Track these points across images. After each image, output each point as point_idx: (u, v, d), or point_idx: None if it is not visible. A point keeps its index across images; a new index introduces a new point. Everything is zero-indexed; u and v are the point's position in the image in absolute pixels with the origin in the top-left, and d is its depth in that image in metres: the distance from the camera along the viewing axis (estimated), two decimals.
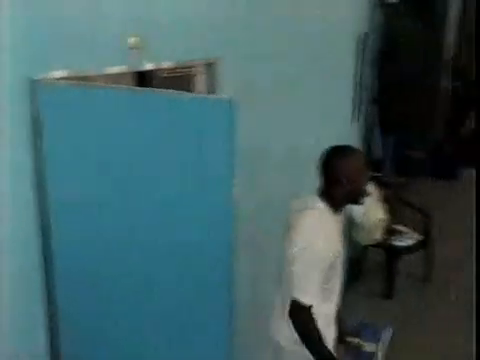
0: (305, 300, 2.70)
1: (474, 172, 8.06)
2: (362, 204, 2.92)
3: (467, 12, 8.65)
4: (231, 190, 2.41)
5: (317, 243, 2.71)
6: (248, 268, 3.51)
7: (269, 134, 3.43)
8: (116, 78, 2.67)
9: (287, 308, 2.78)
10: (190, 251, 2.49)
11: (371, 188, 5.58)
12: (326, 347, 2.79)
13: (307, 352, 2.79)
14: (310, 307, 2.71)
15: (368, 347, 3.06)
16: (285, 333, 2.89)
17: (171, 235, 2.48)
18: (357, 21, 5.69)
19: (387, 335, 3.17)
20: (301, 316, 2.73)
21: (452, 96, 8.34)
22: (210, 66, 2.95)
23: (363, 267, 5.62)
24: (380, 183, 6.04)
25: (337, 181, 2.78)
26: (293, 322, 2.75)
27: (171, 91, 2.41)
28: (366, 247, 5.57)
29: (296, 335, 2.79)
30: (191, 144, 2.40)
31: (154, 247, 2.48)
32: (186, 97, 2.43)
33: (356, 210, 5.36)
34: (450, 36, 8.17)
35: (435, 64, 7.88)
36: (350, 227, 5.43)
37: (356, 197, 2.87)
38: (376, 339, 3.13)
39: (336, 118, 4.82)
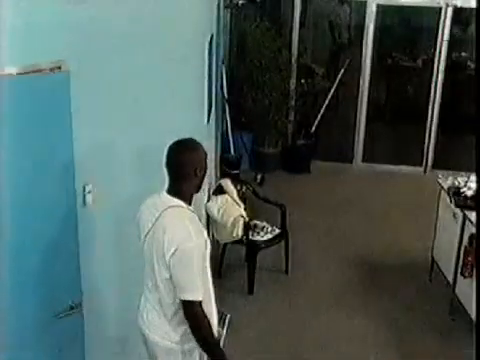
0: (194, 297, 2.78)
1: (322, 164, 8.49)
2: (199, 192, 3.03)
3: (308, 13, 9.04)
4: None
5: (190, 241, 2.76)
6: (113, 268, 3.53)
7: (122, 135, 3.39)
8: None
9: (172, 311, 2.88)
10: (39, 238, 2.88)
11: (228, 186, 5.71)
12: (219, 345, 2.95)
13: (185, 349, 2.93)
14: (200, 302, 2.79)
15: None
16: (163, 332, 2.95)
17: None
18: (206, 22, 5.75)
19: (226, 321, 3.29)
20: (196, 314, 2.80)
21: (301, 93, 8.66)
22: (56, 70, 2.84)
23: (224, 264, 5.69)
24: (237, 180, 6.17)
25: (187, 174, 2.86)
26: (191, 322, 2.82)
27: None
28: (226, 244, 5.65)
29: (176, 336, 2.91)
30: (31, 125, 2.67)
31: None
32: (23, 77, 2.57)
33: (214, 209, 5.43)
34: (295, 36, 8.48)
35: (283, 63, 8.15)
36: (210, 226, 5.48)
37: (199, 187, 2.99)
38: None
39: (191, 117, 4.84)
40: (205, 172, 2.97)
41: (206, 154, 2.98)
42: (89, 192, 3.16)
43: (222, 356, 2.90)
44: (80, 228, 3.15)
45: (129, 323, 3.28)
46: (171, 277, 2.80)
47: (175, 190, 2.89)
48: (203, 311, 2.82)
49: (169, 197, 2.89)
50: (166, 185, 2.96)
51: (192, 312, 2.80)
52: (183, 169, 2.87)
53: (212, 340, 2.90)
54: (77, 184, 3.08)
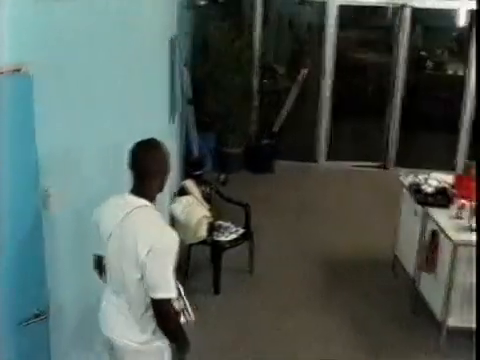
0: (168, 295, 2.80)
1: (285, 163, 8.54)
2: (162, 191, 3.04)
3: (269, 13, 9.09)
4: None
5: (163, 239, 2.79)
6: (77, 271, 3.50)
7: (85, 137, 3.37)
8: None
9: (142, 311, 2.87)
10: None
11: (192, 187, 5.71)
12: (188, 340, 2.95)
13: (154, 347, 2.95)
14: (170, 300, 2.83)
15: None
16: (131, 335, 2.94)
17: None
18: (167, 23, 5.74)
19: None
20: (168, 312, 2.83)
21: (263, 93, 8.70)
22: (19, 72, 2.81)
23: (190, 265, 5.68)
24: (200, 181, 6.17)
25: (151, 174, 2.88)
26: (162, 319, 2.84)
27: None
28: (191, 245, 5.65)
29: (145, 336, 2.91)
30: None
31: None
32: None
33: (178, 210, 5.42)
34: (257, 36, 8.52)
35: (245, 63, 8.17)
36: (174, 227, 5.47)
37: (163, 186, 3.00)
38: None
39: (154, 119, 4.83)
40: (168, 172, 2.99)
41: (168, 153, 2.99)
42: (50, 195, 3.13)
43: (188, 347, 2.96)
44: (45, 233, 3.12)
45: (95, 328, 3.26)
46: (142, 277, 2.79)
47: (140, 190, 2.89)
48: (174, 308, 2.85)
49: (134, 198, 2.88)
50: (130, 186, 2.95)
51: (164, 310, 2.82)
52: (147, 169, 2.87)
53: (182, 336, 2.92)
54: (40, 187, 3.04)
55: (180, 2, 6.83)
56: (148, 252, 2.73)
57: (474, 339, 3.04)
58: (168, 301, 2.81)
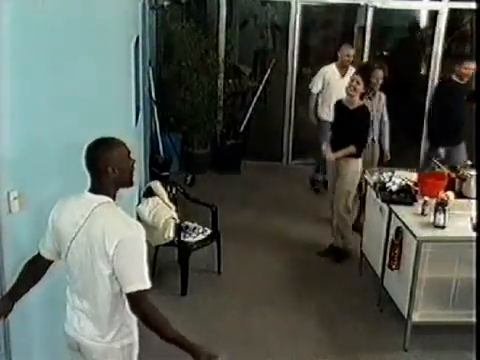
0: (144, 286, 2.76)
1: (251, 163, 8.56)
2: (132, 186, 3.00)
3: (234, 14, 9.11)
4: None
5: (131, 230, 2.79)
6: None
7: (48, 139, 3.33)
8: None
9: (108, 310, 2.86)
10: None
11: (158, 188, 5.69)
12: (174, 329, 2.89)
13: (124, 344, 2.96)
14: (145, 290, 2.77)
15: None
16: (100, 336, 2.92)
17: None
18: (131, 24, 5.71)
19: None
20: (147, 304, 2.77)
21: (229, 94, 8.71)
22: None
23: (156, 267, 5.65)
24: (167, 182, 6.14)
25: (105, 171, 2.83)
26: (142, 313, 2.79)
27: None
28: (158, 246, 5.62)
29: (112, 332, 2.91)
30: None
31: None
32: None
33: (145, 211, 5.40)
34: (222, 36, 8.51)
35: (210, 63, 8.17)
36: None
37: (125, 182, 2.95)
38: None
39: (119, 119, 4.81)
40: (126, 170, 2.91)
41: (129, 152, 2.93)
42: (14, 198, 3.07)
43: (182, 339, 2.90)
44: (7, 236, 3.05)
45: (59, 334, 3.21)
46: (113, 272, 2.77)
47: (98, 189, 2.87)
48: (150, 300, 2.78)
49: (94, 196, 2.86)
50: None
51: (142, 302, 2.76)
52: (96, 167, 2.84)
53: (169, 326, 2.85)
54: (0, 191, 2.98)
55: (143, 3, 6.81)
56: (117, 245, 2.72)
57: (474, 337, 3.07)
58: (143, 293, 2.76)
